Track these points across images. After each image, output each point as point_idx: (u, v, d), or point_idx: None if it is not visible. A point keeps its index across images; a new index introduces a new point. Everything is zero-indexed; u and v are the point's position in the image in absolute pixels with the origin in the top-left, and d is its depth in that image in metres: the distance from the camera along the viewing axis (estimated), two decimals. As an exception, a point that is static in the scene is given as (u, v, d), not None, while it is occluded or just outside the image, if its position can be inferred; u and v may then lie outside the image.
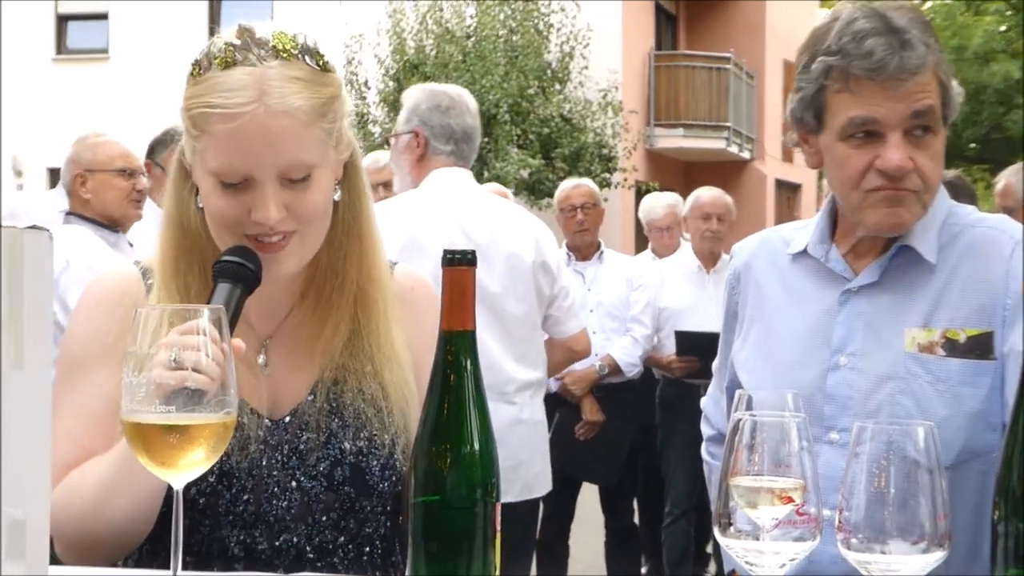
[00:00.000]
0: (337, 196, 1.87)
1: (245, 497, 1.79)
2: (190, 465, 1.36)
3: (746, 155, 24.81)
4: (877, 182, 2.06)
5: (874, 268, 2.13)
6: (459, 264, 1.29)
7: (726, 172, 23.14)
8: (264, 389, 1.85)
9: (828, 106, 2.09)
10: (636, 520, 6.69)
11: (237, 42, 1.77)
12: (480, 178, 8.33)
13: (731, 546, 1.42)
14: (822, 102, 2.10)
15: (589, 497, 6.57)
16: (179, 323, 1.42)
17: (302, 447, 1.82)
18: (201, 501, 1.78)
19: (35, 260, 1.24)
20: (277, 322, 1.90)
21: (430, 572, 1.27)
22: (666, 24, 25.04)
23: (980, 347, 2.02)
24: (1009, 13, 25.28)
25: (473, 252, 1.30)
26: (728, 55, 23.64)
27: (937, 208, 2.13)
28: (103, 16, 22.95)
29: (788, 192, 27.24)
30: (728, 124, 23.44)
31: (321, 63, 1.81)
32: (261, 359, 1.87)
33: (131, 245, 4.63)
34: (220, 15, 22.21)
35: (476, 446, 1.28)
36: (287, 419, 1.84)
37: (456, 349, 1.29)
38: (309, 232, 1.82)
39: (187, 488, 1.74)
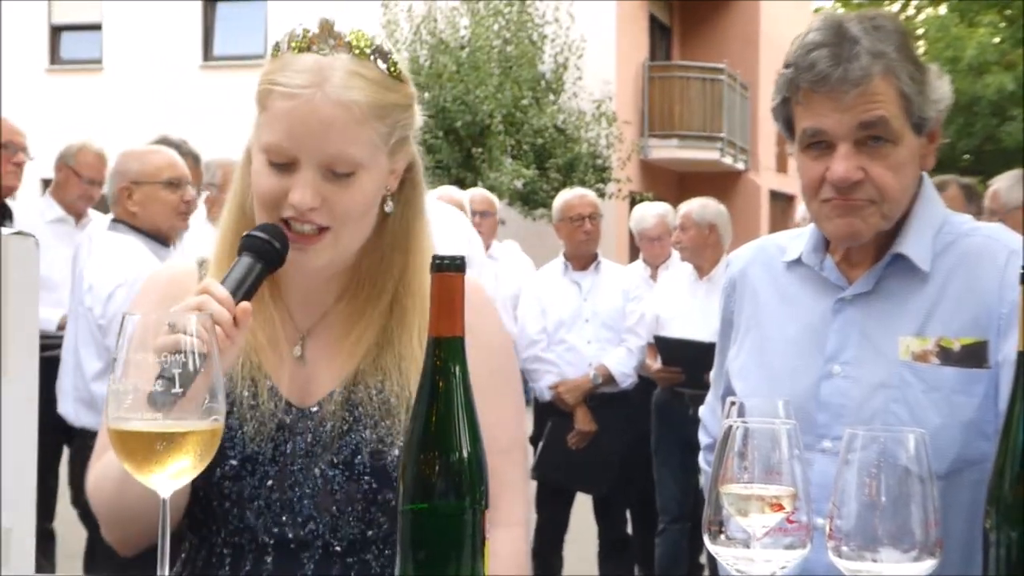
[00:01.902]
0: (389, 208, 1.90)
1: (269, 483, 1.83)
2: (177, 473, 1.35)
3: (740, 166, 24.83)
4: (829, 193, 2.06)
5: (868, 277, 2.12)
6: (448, 270, 1.29)
7: (720, 183, 23.15)
8: (298, 378, 1.90)
9: (793, 117, 2.11)
10: (629, 530, 6.68)
11: (316, 31, 1.83)
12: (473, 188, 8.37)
13: (721, 554, 1.42)
14: (789, 114, 2.12)
15: (582, 507, 6.56)
16: (166, 328, 1.40)
17: (324, 435, 1.86)
18: (226, 484, 1.82)
19: (20, 266, 1.23)
20: (316, 318, 1.94)
21: (419, 580, 1.26)
22: (660, 35, 25.07)
23: (974, 356, 2.02)
24: (1003, 25, 25.29)
25: (462, 258, 1.29)
26: (722, 66, 23.66)
27: (932, 216, 2.13)
28: (97, 26, 22.91)
29: (782, 203, 27.23)
30: (722, 135, 23.45)
31: (394, 71, 1.84)
32: (297, 350, 1.92)
33: None
34: (214, 26, 22.21)
35: (465, 453, 1.27)
36: (314, 408, 1.88)
37: (445, 355, 1.28)
38: (344, 232, 1.84)
39: (212, 473, 1.78)
